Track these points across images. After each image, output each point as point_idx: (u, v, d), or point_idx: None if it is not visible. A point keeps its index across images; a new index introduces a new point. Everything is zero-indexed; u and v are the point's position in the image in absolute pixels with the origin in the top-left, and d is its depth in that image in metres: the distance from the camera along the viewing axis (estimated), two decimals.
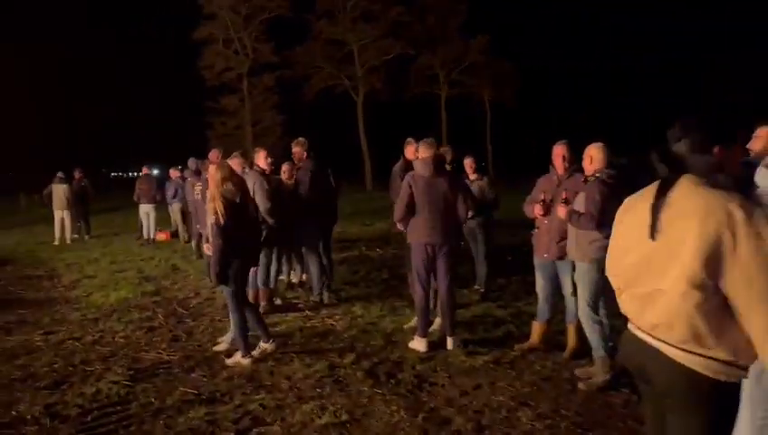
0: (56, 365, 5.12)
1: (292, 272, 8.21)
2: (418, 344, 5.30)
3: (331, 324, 6.22)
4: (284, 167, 7.60)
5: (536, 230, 5.11)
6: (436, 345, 5.33)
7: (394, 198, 7.16)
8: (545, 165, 5.10)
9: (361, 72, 39.99)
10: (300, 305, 7.02)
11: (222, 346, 5.49)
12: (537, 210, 4.96)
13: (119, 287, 8.28)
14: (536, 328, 5.26)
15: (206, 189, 7.84)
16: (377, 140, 41.24)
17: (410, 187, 5.38)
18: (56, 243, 13.54)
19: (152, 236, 13.34)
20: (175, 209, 13.31)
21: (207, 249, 5.39)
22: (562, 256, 4.87)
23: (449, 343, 5.31)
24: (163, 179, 14.45)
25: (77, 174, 14.62)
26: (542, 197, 4.95)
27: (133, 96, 59.38)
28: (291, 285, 8.05)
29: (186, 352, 5.47)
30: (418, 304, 5.44)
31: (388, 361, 5.06)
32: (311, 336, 5.83)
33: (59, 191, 13.65)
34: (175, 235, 13.77)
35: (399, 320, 6.26)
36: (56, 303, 7.57)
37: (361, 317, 6.46)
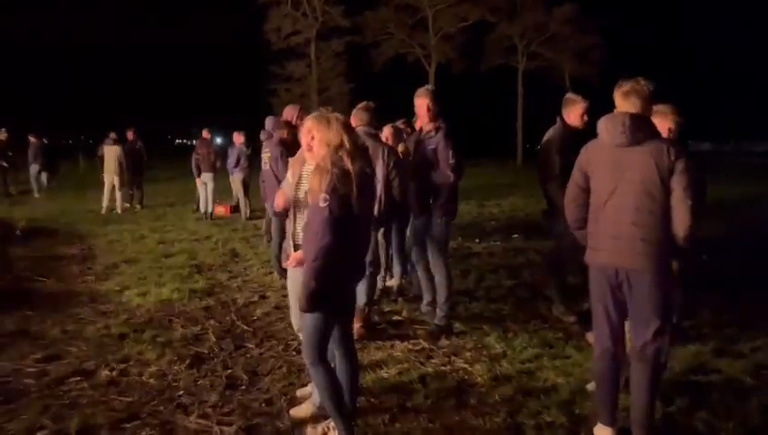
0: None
1: (387, 275, 6.10)
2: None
3: (465, 370, 4.07)
4: (387, 130, 5.46)
5: None
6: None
7: (548, 183, 4.96)
8: None
9: (435, 41, 37.49)
10: (405, 328, 4.91)
11: (304, 409, 3.41)
12: None
13: (162, 281, 6.36)
14: None
15: (276, 156, 5.82)
16: (447, 114, 38.63)
17: (583, 166, 3.11)
18: (103, 212, 11.94)
19: (210, 211, 11.52)
20: (236, 180, 11.51)
21: (292, 263, 3.05)
22: None
23: None
24: (226, 148, 12.65)
25: (130, 135, 13.02)
26: None
27: (197, 59, 58.33)
28: (385, 292, 5.95)
29: (246, 414, 3.41)
30: (596, 369, 3.16)
31: None
32: (440, 394, 3.68)
33: (110, 153, 12.16)
34: (236, 209, 11.99)
35: (566, 368, 4.03)
36: (78, 301, 5.69)
37: (505, 358, 4.27)
